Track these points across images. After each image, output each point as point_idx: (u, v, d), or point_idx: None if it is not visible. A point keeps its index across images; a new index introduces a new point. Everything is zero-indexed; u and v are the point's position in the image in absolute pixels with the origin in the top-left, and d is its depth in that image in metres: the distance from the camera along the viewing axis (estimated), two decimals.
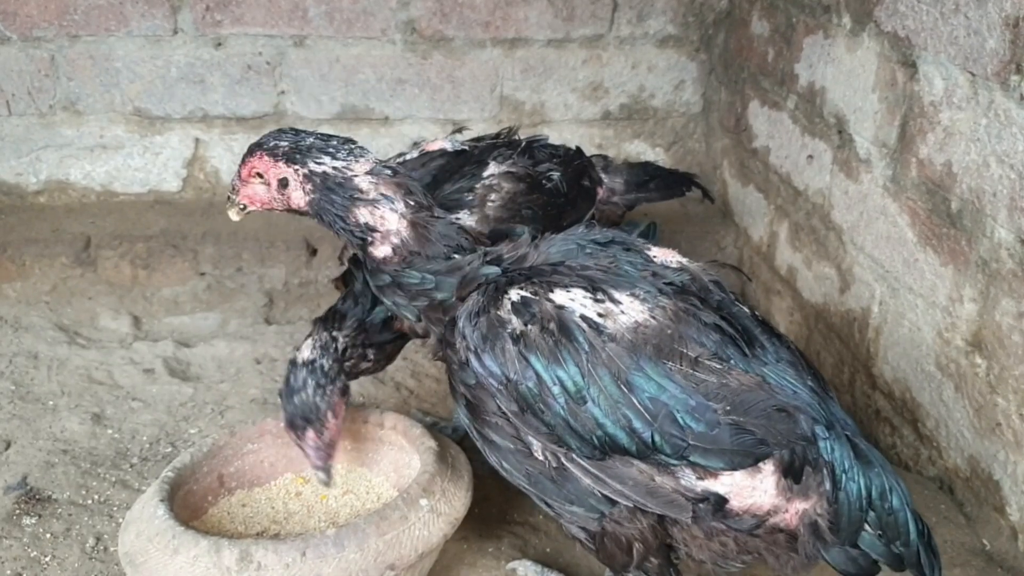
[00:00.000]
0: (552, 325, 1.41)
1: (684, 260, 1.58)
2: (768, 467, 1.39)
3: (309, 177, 1.56)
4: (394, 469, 2.05)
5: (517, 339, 1.42)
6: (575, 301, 1.43)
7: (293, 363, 1.98)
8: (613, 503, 1.46)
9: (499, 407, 1.47)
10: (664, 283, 1.48)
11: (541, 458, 1.47)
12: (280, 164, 1.58)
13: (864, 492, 1.41)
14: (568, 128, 3.56)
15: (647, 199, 2.63)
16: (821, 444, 1.39)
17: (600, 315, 1.41)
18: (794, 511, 1.41)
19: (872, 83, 2.42)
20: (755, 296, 3.26)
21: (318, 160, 1.57)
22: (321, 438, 1.93)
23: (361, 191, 1.56)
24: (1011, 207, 1.90)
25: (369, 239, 1.58)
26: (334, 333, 2.00)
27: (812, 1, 2.76)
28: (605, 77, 3.51)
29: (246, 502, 2.02)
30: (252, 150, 1.61)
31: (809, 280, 2.84)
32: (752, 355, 1.42)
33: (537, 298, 1.44)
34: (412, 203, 1.58)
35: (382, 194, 1.56)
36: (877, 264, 2.43)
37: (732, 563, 1.50)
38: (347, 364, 2.00)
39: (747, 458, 1.37)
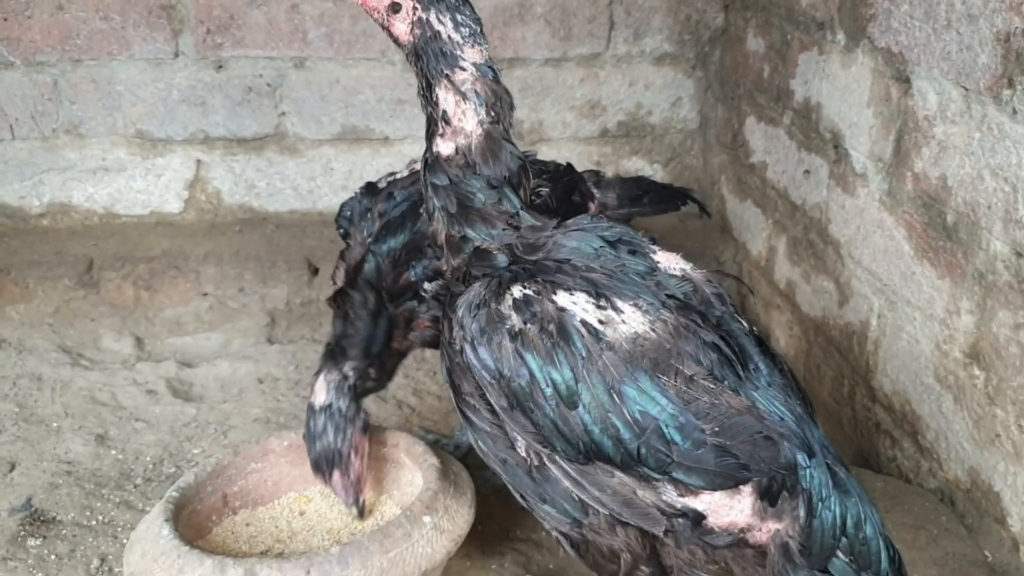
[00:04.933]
0: (551, 326, 1.40)
1: (688, 267, 1.57)
2: (747, 489, 1.39)
3: (422, 24, 1.49)
4: (397, 487, 2.06)
5: (515, 336, 1.41)
6: (577, 305, 1.42)
7: (311, 408, 2.00)
8: (587, 512, 1.46)
9: (480, 392, 1.47)
10: (667, 295, 1.48)
11: (524, 455, 1.47)
12: None
13: (839, 520, 1.41)
14: (566, 146, 3.59)
15: (641, 213, 2.64)
16: (801, 472, 1.40)
17: (601, 322, 1.41)
18: (767, 530, 1.42)
19: (867, 98, 2.45)
20: (755, 310, 3.28)
21: (441, 15, 1.49)
22: (348, 478, 1.97)
23: (455, 75, 1.50)
24: (1006, 220, 1.91)
25: (440, 129, 1.52)
26: (344, 369, 2.01)
27: (806, 18, 2.79)
28: (603, 95, 3.53)
29: (250, 521, 2.02)
30: None
31: (808, 294, 2.86)
32: (746, 378, 1.43)
33: (539, 297, 1.43)
34: (494, 115, 1.52)
35: (475, 90, 1.50)
36: (875, 277, 2.45)
37: (698, 572, 1.50)
38: (358, 382, 2.01)
39: (728, 480, 1.37)
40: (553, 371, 1.39)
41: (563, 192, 2.35)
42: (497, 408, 1.46)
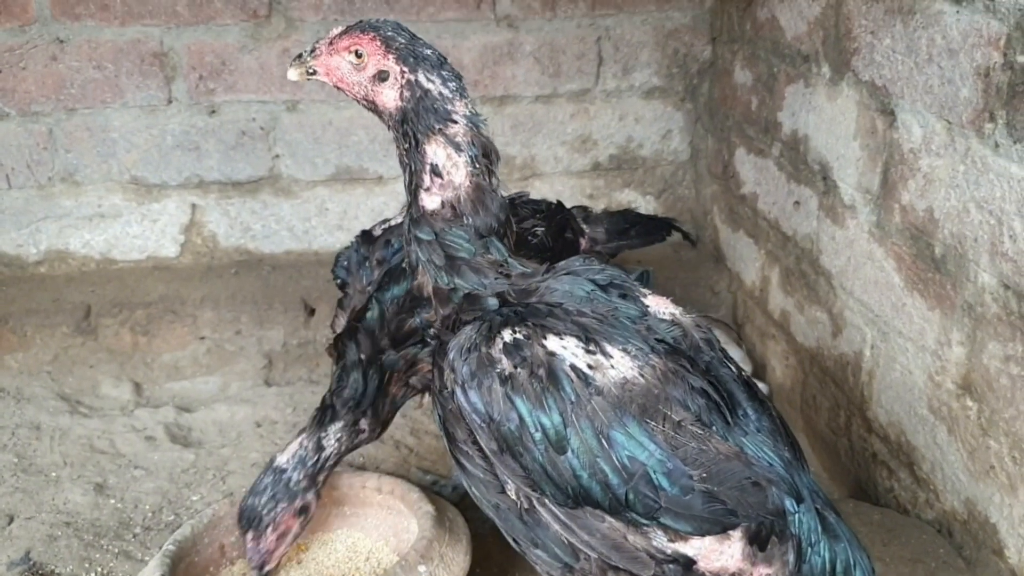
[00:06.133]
0: (541, 371, 1.41)
1: (677, 312, 1.58)
2: (736, 533, 1.40)
3: (412, 86, 1.50)
4: (393, 534, 2.07)
5: (505, 380, 1.42)
6: (567, 349, 1.43)
7: (269, 462, 1.99)
8: (578, 557, 1.47)
9: (472, 439, 1.47)
10: (656, 339, 1.48)
11: (514, 497, 1.48)
12: (390, 57, 1.50)
13: (828, 565, 1.42)
14: (559, 180, 3.61)
15: (629, 246, 2.66)
16: (790, 518, 1.41)
17: (590, 367, 1.41)
18: (757, 574, 1.42)
19: (853, 131, 2.47)
20: (751, 340, 3.29)
21: (428, 74, 1.50)
22: (257, 545, 1.93)
23: (448, 129, 1.50)
24: (992, 252, 1.92)
25: (426, 183, 1.53)
26: (323, 435, 1.99)
27: (792, 51, 2.82)
28: (593, 129, 3.56)
29: (248, 571, 2.03)
30: (365, 29, 1.52)
31: (802, 324, 2.87)
32: (734, 423, 1.44)
33: (530, 341, 1.44)
34: (483, 165, 1.53)
35: (468, 141, 1.51)
36: (867, 308, 2.46)
37: None
38: (340, 447, 2.00)
39: (716, 526, 1.38)
40: (542, 416, 1.40)
41: (557, 230, 2.38)
42: (487, 451, 1.46)
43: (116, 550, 2.33)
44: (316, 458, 1.98)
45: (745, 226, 3.28)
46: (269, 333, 3.28)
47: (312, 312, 3.31)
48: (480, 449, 1.47)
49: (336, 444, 1.98)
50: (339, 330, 2.13)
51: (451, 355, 1.49)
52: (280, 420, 2.95)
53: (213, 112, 3.39)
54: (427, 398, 2.85)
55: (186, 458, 2.75)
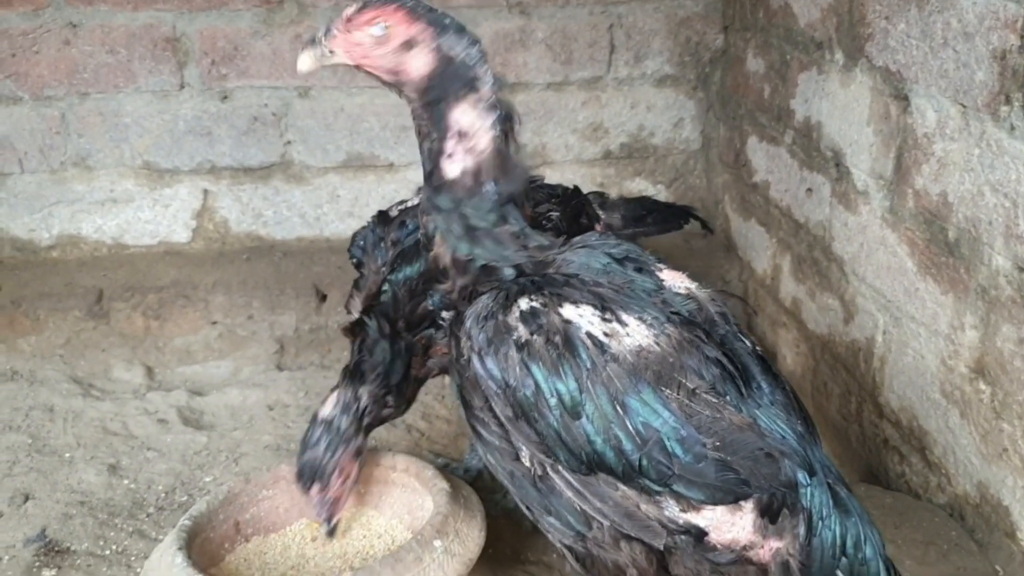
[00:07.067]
0: (557, 338, 1.42)
1: (693, 286, 1.59)
2: (748, 505, 1.41)
3: (439, 53, 1.50)
4: (407, 511, 2.07)
5: (521, 347, 1.43)
6: (583, 317, 1.43)
7: (314, 418, 2.00)
8: (591, 526, 1.47)
9: (488, 406, 1.48)
10: (672, 312, 1.49)
11: (528, 464, 1.49)
12: (417, 26, 1.50)
13: (839, 540, 1.42)
14: (570, 168, 3.61)
15: (645, 233, 2.66)
16: (802, 491, 1.41)
17: (606, 334, 1.42)
18: (768, 548, 1.43)
19: (866, 117, 2.47)
20: (761, 328, 3.29)
21: (454, 42, 1.50)
22: (324, 496, 1.96)
23: (476, 93, 1.50)
24: (1007, 235, 1.93)
25: (448, 150, 1.52)
26: (359, 389, 2.01)
27: (805, 38, 2.82)
28: (605, 117, 3.56)
29: (262, 548, 2.04)
30: (387, 0, 1.50)
31: (813, 311, 2.87)
32: (748, 395, 1.44)
33: (546, 309, 1.45)
34: (506, 129, 1.53)
35: (492, 106, 1.51)
36: (879, 294, 2.46)
37: None
38: (369, 416, 2.01)
39: (728, 495, 1.38)
40: (558, 382, 1.40)
41: (572, 215, 2.38)
42: (502, 418, 1.47)
43: (130, 529, 2.34)
44: (356, 406, 1.99)
45: (757, 214, 3.28)
46: (281, 318, 3.29)
47: (324, 298, 3.32)
48: (496, 417, 1.48)
49: (368, 399, 2.00)
50: (354, 310, 2.13)
51: (468, 323, 1.50)
52: (292, 404, 2.96)
53: (225, 98, 3.39)
54: (447, 379, 2.87)
55: (198, 440, 2.76)
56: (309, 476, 1.95)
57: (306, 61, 1.54)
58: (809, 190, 2.84)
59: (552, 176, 3.58)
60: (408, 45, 1.51)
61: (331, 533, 2.00)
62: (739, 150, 3.39)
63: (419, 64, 1.51)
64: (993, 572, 2.01)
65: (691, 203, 3.61)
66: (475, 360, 1.47)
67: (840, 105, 2.62)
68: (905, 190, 2.30)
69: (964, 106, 2.04)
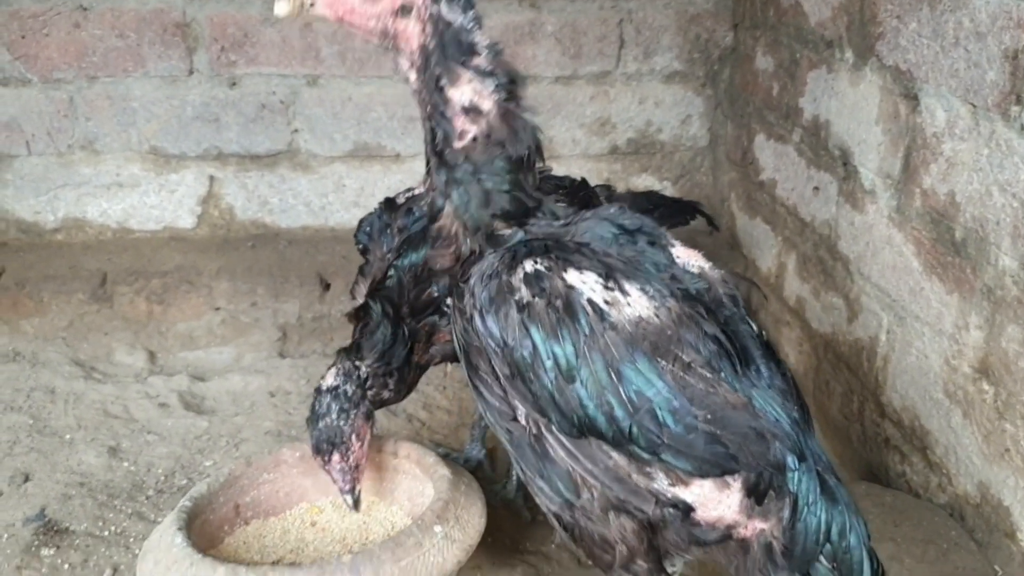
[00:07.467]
0: (558, 302, 1.43)
1: (706, 266, 1.58)
2: (736, 484, 1.41)
3: (434, 18, 1.47)
4: (408, 497, 2.07)
5: (522, 308, 1.44)
6: (586, 284, 1.44)
7: (318, 391, 2.01)
8: (579, 494, 1.48)
9: (492, 367, 1.49)
10: (678, 287, 1.49)
11: (524, 423, 1.50)
12: None
13: (824, 527, 1.42)
14: (576, 163, 3.61)
15: None
16: (789, 475, 1.41)
17: (607, 302, 1.43)
18: (752, 528, 1.43)
19: (875, 116, 2.46)
20: (764, 326, 3.28)
21: (450, 7, 1.46)
22: (347, 461, 1.96)
23: (474, 60, 1.47)
24: (1014, 235, 1.92)
25: (458, 128, 1.49)
26: (356, 363, 2.02)
27: (815, 37, 2.82)
28: (612, 112, 3.56)
29: (262, 531, 2.04)
30: None
31: (817, 310, 2.87)
32: (743, 375, 1.44)
33: (551, 273, 1.45)
34: (508, 91, 1.50)
35: (491, 70, 1.48)
36: (884, 293, 2.46)
37: (683, 554, 1.52)
38: (369, 393, 2.02)
39: (715, 468, 1.39)
40: (555, 345, 1.41)
41: (579, 207, 2.37)
42: (500, 375, 1.49)
43: (129, 510, 2.35)
44: (357, 373, 2.01)
45: (762, 213, 3.28)
46: (284, 306, 3.29)
47: (328, 287, 3.32)
48: (499, 379, 1.49)
49: (367, 371, 2.00)
50: (359, 296, 2.13)
51: (472, 281, 1.51)
52: (294, 391, 2.96)
53: (234, 84, 3.39)
54: (449, 369, 2.87)
55: (199, 425, 2.77)
56: (328, 444, 1.95)
57: (283, 6, 1.49)
58: (816, 189, 2.84)
59: (558, 170, 3.56)
60: (405, 10, 1.48)
61: (357, 504, 1.99)
62: (746, 148, 3.38)
63: (414, 31, 1.49)
64: (992, 572, 2.01)
65: (697, 200, 3.60)
66: (476, 318, 1.48)
67: (849, 104, 2.61)
68: (912, 189, 2.30)
69: (974, 106, 2.04)
